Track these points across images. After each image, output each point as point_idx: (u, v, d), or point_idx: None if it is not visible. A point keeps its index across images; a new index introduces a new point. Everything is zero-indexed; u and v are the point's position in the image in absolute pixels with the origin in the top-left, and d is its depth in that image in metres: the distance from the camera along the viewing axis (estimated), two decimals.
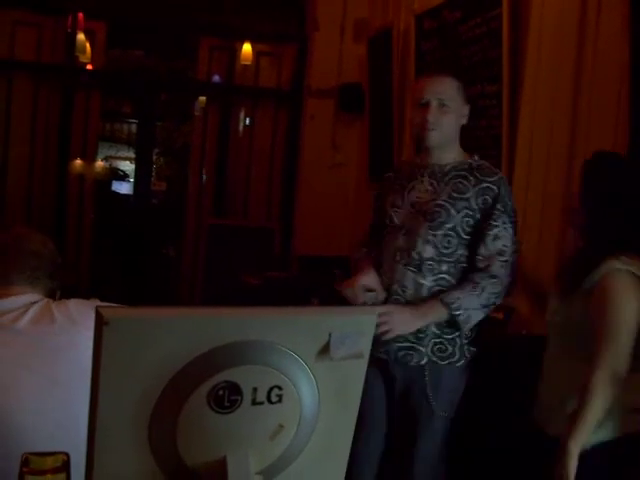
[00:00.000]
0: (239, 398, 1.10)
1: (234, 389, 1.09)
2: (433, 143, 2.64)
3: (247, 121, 6.37)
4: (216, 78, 6.28)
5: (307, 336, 1.14)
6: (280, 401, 1.13)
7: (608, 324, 2.07)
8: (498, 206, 2.55)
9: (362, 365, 1.20)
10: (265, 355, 1.11)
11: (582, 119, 2.92)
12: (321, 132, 5.80)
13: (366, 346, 1.19)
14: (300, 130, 5.99)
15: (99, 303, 1.92)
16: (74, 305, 1.91)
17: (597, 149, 2.76)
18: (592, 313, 2.12)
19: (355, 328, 1.17)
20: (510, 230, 2.55)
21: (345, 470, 1.29)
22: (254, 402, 1.11)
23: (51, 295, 2.01)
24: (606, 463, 2.14)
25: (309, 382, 1.16)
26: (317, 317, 1.19)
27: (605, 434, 2.11)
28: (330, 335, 1.14)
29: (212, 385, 1.07)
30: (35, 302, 1.89)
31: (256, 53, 6.15)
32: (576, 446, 2.05)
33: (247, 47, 6.06)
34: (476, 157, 2.70)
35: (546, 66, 3.21)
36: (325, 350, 1.15)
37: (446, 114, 2.60)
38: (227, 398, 1.09)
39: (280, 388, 1.13)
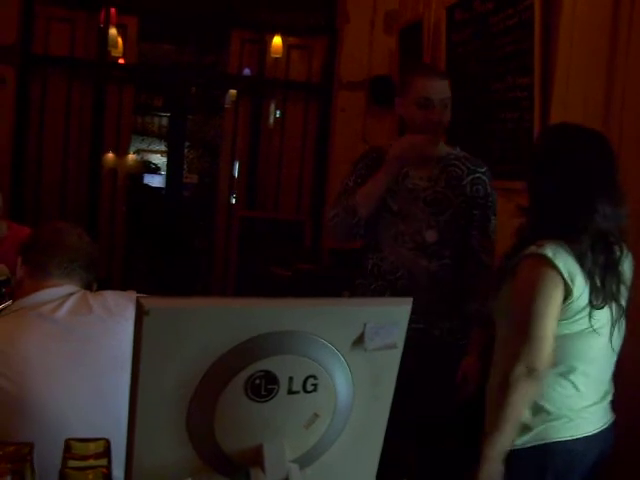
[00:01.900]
0: (275, 387, 1.12)
1: (271, 378, 1.11)
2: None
3: (278, 114, 6.38)
4: (247, 71, 6.29)
5: (342, 327, 1.16)
6: (315, 390, 1.15)
7: (520, 315, 1.92)
8: (490, 200, 2.71)
9: (396, 355, 1.21)
10: (301, 345, 1.12)
11: (615, 111, 2.90)
12: (352, 125, 5.80)
13: (400, 337, 1.20)
14: (331, 123, 6.00)
15: (136, 295, 1.96)
16: (111, 296, 1.96)
17: (630, 140, 2.76)
18: (511, 302, 1.99)
19: (389, 319, 1.18)
20: (495, 223, 2.72)
21: (378, 459, 1.31)
22: (290, 391, 1.13)
23: (88, 287, 2.06)
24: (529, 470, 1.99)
25: (344, 372, 1.17)
26: (352, 308, 1.20)
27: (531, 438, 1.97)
28: (365, 326, 1.16)
29: (249, 374, 1.09)
30: (73, 293, 1.94)
31: (287, 46, 6.15)
32: (494, 451, 1.91)
33: (278, 40, 6.07)
34: (458, 148, 2.81)
35: (578, 57, 3.19)
36: (360, 340, 1.16)
37: (447, 113, 2.68)
38: (264, 387, 1.11)
39: (315, 377, 1.15)
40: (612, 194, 1.94)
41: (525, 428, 1.95)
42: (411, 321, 2.55)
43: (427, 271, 2.65)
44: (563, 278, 1.87)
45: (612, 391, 2.08)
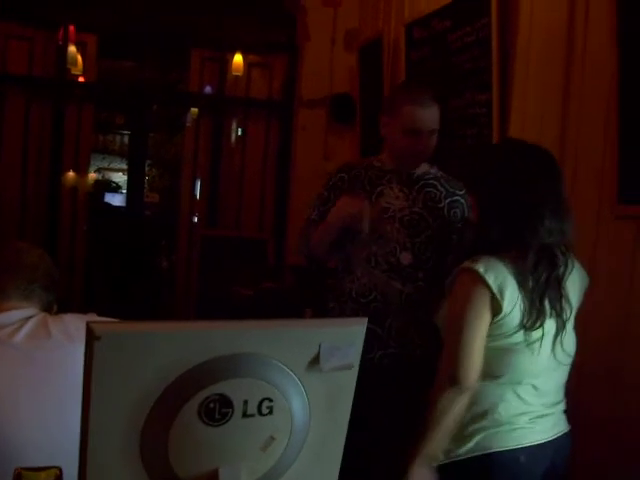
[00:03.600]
0: (230, 411, 1.10)
1: (225, 402, 1.10)
2: (418, 167, 2.70)
3: (239, 132, 6.38)
4: (207, 89, 6.29)
5: (297, 348, 1.15)
6: (271, 413, 1.14)
7: (450, 329, 1.95)
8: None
9: (352, 376, 1.21)
10: (255, 368, 1.11)
11: (571, 127, 2.94)
12: (313, 142, 5.80)
13: (356, 357, 1.19)
14: (292, 140, 6.00)
15: (96, 318, 1.92)
16: (70, 320, 1.91)
17: (587, 154, 2.79)
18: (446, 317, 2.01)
19: (344, 339, 1.18)
20: None
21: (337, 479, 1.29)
22: (245, 414, 1.12)
23: (48, 309, 2.01)
24: None
25: (299, 394, 1.17)
26: (306, 329, 1.19)
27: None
28: (320, 346, 1.15)
29: (203, 398, 1.08)
30: (31, 317, 1.89)
31: (247, 64, 6.16)
32: (422, 459, 1.92)
33: (238, 58, 6.07)
34: (435, 167, 2.75)
35: (535, 74, 3.23)
36: (315, 361, 1.15)
37: (434, 140, 2.63)
38: (218, 411, 1.09)
39: (271, 400, 1.13)
40: (558, 209, 1.94)
41: (466, 436, 1.94)
42: (384, 346, 2.57)
43: (400, 294, 2.59)
44: (492, 293, 1.86)
45: (563, 401, 2.07)
